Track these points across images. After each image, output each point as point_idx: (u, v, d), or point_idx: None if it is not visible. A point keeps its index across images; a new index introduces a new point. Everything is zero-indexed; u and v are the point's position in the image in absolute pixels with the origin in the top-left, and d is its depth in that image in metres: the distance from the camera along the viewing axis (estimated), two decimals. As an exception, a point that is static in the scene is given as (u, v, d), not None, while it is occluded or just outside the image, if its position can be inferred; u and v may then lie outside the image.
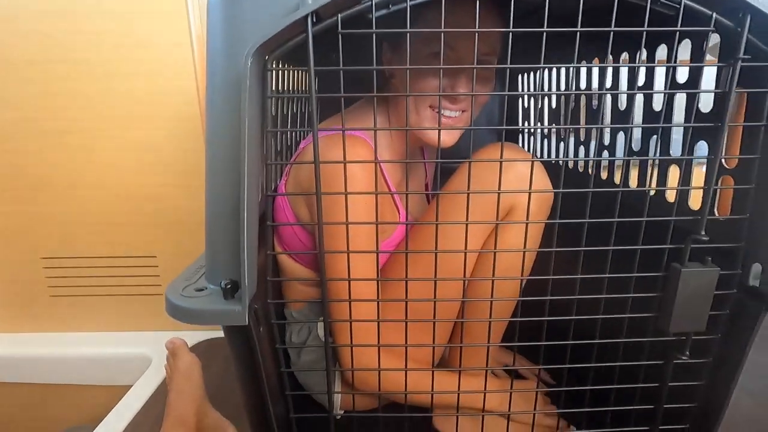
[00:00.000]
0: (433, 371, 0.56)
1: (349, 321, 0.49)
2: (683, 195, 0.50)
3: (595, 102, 0.85)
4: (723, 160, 0.47)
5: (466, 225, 0.47)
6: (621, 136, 0.72)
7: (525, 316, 0.50)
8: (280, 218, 0.65)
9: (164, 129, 1.01)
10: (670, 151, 0.56)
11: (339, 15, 0.37)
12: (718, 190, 0.48)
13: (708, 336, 0.47)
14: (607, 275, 0.45)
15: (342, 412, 0.68)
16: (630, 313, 0.47)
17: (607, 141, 0.76)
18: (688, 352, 0.46)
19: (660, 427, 0.51)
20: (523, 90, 1.11)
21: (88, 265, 1.10)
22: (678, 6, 0.37)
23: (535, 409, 0.53)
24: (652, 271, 0.45)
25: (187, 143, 1.02)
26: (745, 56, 0.37)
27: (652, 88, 0.58)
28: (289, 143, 0.78)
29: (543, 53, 0.38)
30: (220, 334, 1.14)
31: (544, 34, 0.37)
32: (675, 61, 0.38)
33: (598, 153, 0.76)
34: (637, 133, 0.64)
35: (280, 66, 0.61)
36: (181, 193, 1.05)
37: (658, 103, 0.58)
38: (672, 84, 0.51)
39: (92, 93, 0.98)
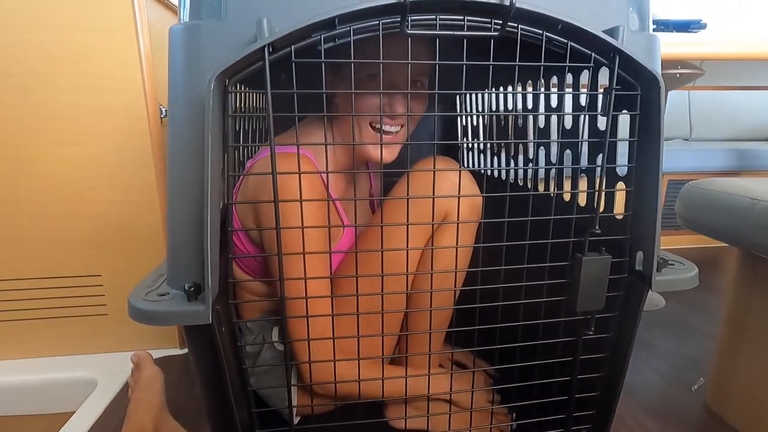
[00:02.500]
0: (383, 359, 0.61)
1: (305, 317, 0.54)
2: (590, 199, 0.60)
3: (520, 121, 0.97)
4: (617, 169, 0.57)
5: (407, 227, 0.53)
6: (542, 150, 0.84)
7: (462, 311, 0.57)
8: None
9: (110, 144, 1.00)
10: (580, 163, 0.67)
11: (292, 46, 0.43)
12: (615, 194, 0.59)
13: (608, 314, 0.56)
14: (526, 266, 0.53)
15: (299, 418, 0.71)
16: (546, 299, 0.56)
17: (531, 155, 0.87)
18: (593, 328, 0.55)
19: (576, 396, 0.59)
20: (460, 111, 1.22)
21: (24, 287, 1.05)
22: (566, 47, 0.47)
23: (473, 389, 0.60)
24: (562, 262, 0.54)
25: (135, 158, 1.02)
26: (617, 87, 0.48)
27: (563, 111, 0.69)
28: (241, 159, 0.82)
29: (464, 81, 0.46)
30: (173, 352, 1.13)
31: (464, 66, 0.46)
32: (562, 89, 0.48)
33: (525, 166, 0.87)
34: (554, 148, 0.75)
35: (237, 88, 0.65)
36: (128, 209, 1.04)
37: (568, 123, 0.69)
38: (575, 107, 0.62)
39: (32, 106, 0.96)
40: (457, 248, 0.57)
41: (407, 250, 0.53)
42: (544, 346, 0.58)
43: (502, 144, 1.03)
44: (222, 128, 0.46)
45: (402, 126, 0.68)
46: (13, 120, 0.97)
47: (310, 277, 0.53)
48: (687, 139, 2.37)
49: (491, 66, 0.46)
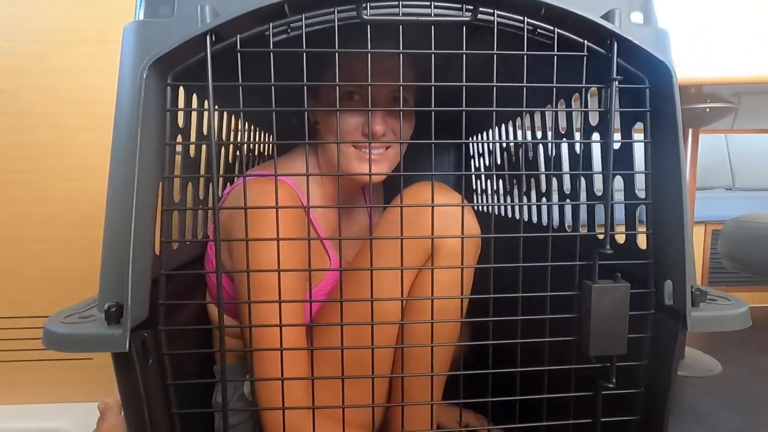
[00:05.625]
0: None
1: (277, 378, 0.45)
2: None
3: (531, 153, 0.90)
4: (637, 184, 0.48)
5: (371, 275, 0.45)
6: (554, 180, 0.75)
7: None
8: (209, 267, 0.63)
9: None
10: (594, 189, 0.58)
11: (238, 35, 0.39)
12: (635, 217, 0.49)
13: (633, 363, 0.44)
14: (521, 294, 0.43)
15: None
16: (550, 343, 0.45)
17: (544, 188, 0.79)
18: (614, 380, 0.43)
19: (600, 474, 0.46)
20: (473, 153, 1.17)
21: (6, 327, 1.01)
22: (553, 36, 0.41)
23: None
24: (567, 291, 0.44)
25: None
26: (618, 77, 0.40)
27: (572, 136, 0.61)
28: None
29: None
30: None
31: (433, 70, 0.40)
32: (555, 83, 0.41)
33: (538, 199, 0.79)
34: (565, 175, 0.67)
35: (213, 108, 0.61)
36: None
37: (578, 148, 0.61)
38: (586, 130, 0.54)
39: (38, 144, 0.99)
40: (441, 277, 0.48)
41: (371, 302, 0.44)
42: (552, 404, 0.45)
43: (514, 181, 0.95)
44: (160, 126, 0.42)
45: (388, 147, 0.62)
46: (23, 158, 0.99)
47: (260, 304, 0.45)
48: (730, 189, 2.19)
49: (464, 57, 0.40)
